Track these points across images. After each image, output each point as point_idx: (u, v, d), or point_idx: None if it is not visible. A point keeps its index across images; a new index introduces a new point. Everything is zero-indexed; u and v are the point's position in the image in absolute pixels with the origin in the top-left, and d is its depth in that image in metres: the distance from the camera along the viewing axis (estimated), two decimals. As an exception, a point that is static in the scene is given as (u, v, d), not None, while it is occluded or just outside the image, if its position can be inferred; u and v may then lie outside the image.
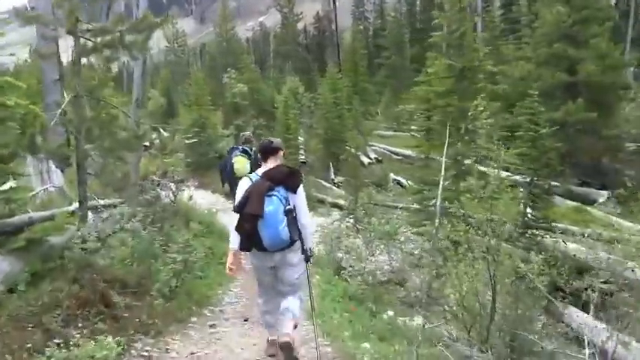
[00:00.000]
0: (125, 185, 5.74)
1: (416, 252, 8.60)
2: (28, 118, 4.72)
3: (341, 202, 12.17)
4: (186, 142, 17.29)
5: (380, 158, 16.75)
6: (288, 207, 3.47)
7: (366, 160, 17.04)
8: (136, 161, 6.77)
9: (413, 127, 23.80)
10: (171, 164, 17.66)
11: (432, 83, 8.88)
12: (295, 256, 3.65)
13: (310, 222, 3.84)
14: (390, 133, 24.14)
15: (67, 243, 4.51)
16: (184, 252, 6.00)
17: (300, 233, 3.57)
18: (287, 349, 3.54)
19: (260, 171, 3.69)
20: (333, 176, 14.88)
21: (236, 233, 3.56)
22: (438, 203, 7.46)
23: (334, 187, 14.14)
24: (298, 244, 3.60)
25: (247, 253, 3.71)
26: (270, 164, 3.70)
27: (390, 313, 6.34)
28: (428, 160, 13.49)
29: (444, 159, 7.74)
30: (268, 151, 3.74)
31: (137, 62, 6.67)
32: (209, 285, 6.47)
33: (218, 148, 17.26)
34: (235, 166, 7.13)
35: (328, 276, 7.13)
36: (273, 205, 3.42)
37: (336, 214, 11.73)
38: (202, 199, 14.46)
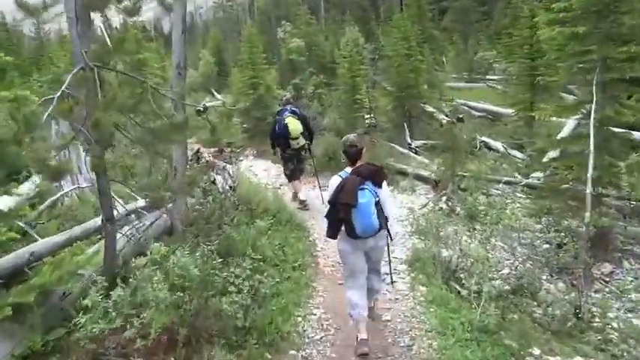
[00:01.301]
0: (167, 187, 4.13)
1: (544, 246, 6.64)
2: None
3: (425, 172, 10.22)
4: (240, 105, 15.65)
5: (461, 116, 14.47)
6: (377, 199, 3.97)
7: (443, 119, 14.83)
8: (181, 152, 5.13)
9: (492, 78, 21.17)
10: (228, 133, 16.39)
11: (557, 21, 6.54)
12: (382, 240, 4.25)
13: (394, 212, 4.56)
14: (462, 84, 21.54)
15: (83, 293, 2.99)
16: (252, 272, 4.39)
17: (386, 221, 4.11)
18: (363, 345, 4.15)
19: (348, 169, 4.12)
20: (409, 140, 12.85)
21: (329, 223, 4.03)
22: (589, 186, 5.41)
23: (412, 154, 12.14)
24: (385, 231, 4.16)
25: (339, 243, 4.25)
26: (358, 163, 4.13)
27: (536, 351, 4.53)
28: (530, 120, 11.25)
29: (591, 125, 5.61)
30: (354, 154, 4.13)
31: (176, 15, 4.92)
32: (284, 311, 4.87)
33: (275, 112, 15.53)
34: (290, 127, 7.43)
35: (438, 291, 5.35)
36: (366, 198, 3.89)
37: (421, 188, 9.82)
38: (263, 170, 12.96)
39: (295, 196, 8.55)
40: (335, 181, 4.06)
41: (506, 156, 10.62)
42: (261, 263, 4.86)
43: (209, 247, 4.25)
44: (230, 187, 6.74)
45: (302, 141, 7.94)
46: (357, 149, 4.13)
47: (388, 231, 4.19)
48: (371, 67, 17.20)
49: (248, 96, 15.42)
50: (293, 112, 7.73)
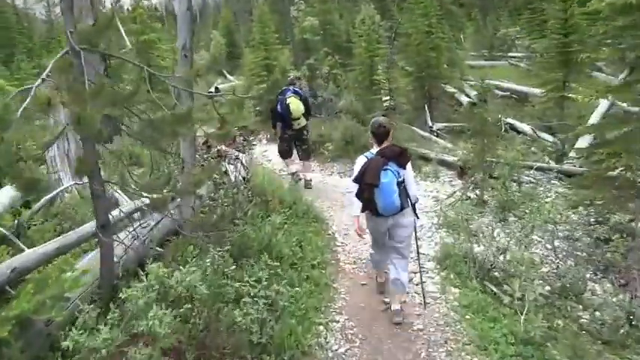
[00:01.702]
0: (173, 186, 3.65)
1: (584, 239, 6.08)
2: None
3: (449, 158, 9.64)
4: (253, 93, 15.09)
5: (484, 97, 13.74)
6: (399, 179, 4.15)
7: (464, 100, 14.14)
8: (188, 144, 4.64)
9: (514, 56, 20.26)
10: (241, 117, 15.86)
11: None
12: (404, 218, 4.34)
13: (417, 194, 4.49)
14: (482, 62, 20.65)
15: (72, 317, 2.53)
16: (269, 282, 3.93)
17: (409, 201, 4.29)
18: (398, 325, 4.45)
19: (374, 150, 4.30)
20: (430, 123, 12.21)
21: (356, 199, 4.24)
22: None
23: (434, 137, 11.53)
24: (407, 209, 4.30)
25: (367, 221, 4.51)
26: (384, 144, 4.30)
27: (589, 366, 4.02)
28: (561, 101, 10.54)
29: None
30: (382, 135, 4.31)
31: (179, -11, 4.39)
32: (304, 318, 4.41)
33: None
34: (292, 107, 7.43)
35: (473, 295, 4.84)
36: (388, 178, 4.09)
37: (445, 174, 9.25)
38: (277, 155, 12.46)
39: (295, 175, 8.51)
40: (361, 161, 4.28)
41: (535, 139, 9.95)
42: (279, 270, 4.35)
43: (220, 252, 3.78)
44: (243, 178, 6.25)
45: (303, 122, 7.90)
46: (385, 130, 4.32)
47: (414, 209, 4.39)
48: (388, 46, 16.47)
49: (261, 78, 14.85)
50: (295, 93, 7.74)
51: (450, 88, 14.49)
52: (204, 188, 5.85)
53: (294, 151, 8.48)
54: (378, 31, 16.21)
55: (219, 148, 6.44)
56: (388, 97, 13.60)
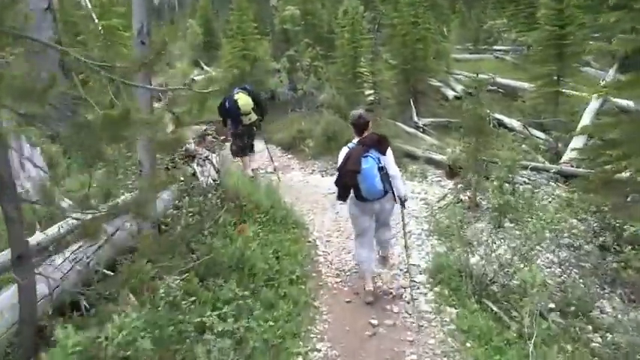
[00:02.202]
0: (115, 204, 2.98)
1: (586, 247, 5.58)
2: None
3: (437, 156, 9.09)
4: (214, 87, 14.33)
5: (471, 91, 13.25)
6: (380, 165, 4.39)
7: (450, 94, 13.64)
8: (145, 144, 3.95)
9: (500, 49, 19.81)
10: (202, 115, 15.07)
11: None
12: (389, 203, 4.65)
13: (398, 173, 4.66)
14: (467, 56, 20.18)
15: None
16: (237, 315, 3.30)
17: (390, 186, 4.48)
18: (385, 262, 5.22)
19: (355, 140, 4.55)
20: (415, 118, 11.66)
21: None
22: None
23: (420, 134, 10.98)
24: (390, 194, 4.53)
25: (349, 208, 4.81)
26: (364, 134, 4.53)
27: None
28: (554, 97, 10.07)
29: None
30: (362, 126, 4.57)
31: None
32: (280, 350, 3.79)
33: (268, 87, 14.26)
34: (240, 102, 7.47)
35: (473, 318, 4.28)
36: (368, 164, 4.34)
37: (433, 174, 8.69)
38: (257, 152, 11.76)
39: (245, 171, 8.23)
40: (343, 152, 4.52)
41: (526, 136, 9.47)
42: (249, 301, 3.72)
43: (179, 279, 3.13)
44: (214, 180, 5.59)
45: (253, 116, 7.86)
46: (365, 121, 4.57)
47: (394, 194, 4.56)
48: (372, 37, 15.83)
49: (238, 69, 14.08)
50: (243, 88, 7.83)
51: (434, 82, 13.96)
52: (169, 194, 5.18)
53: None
54: (361, 22, 15.61)
55: (186, 147, 5.76)
56: (372, 91, 13.02)
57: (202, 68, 22.70)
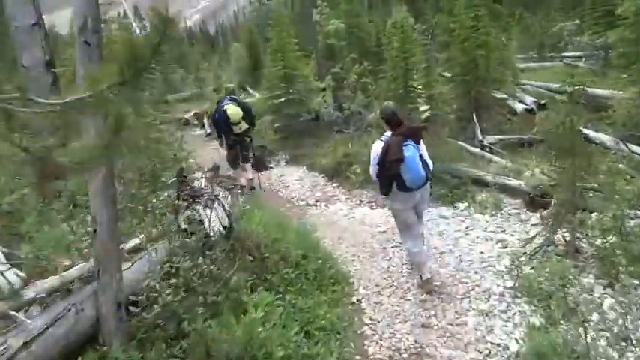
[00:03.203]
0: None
1: None
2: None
3: (511, 181, 7.41)
4: (272, 102, 13.25)
5: (543, 101, 11.41)
6: (420, 153, 4.48)
7: (519, 107, 11.83)
8: (100, 189, 2.64)
9: (571, 55, 17.71)
10: (260, 134, 13.95)
11: None
12: (426, 192, 4.77)
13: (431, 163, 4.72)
14: (531, 64, 18.13)
15: None
16: None
17: (430, 173, 4.61)
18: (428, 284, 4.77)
19: (388, 134, 4.52)
20: (480, 136, 9.99)
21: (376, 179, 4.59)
22: None
23: (486, 154, 9.29)
24: (428, 184, 4.66)
25: (391, 205, 4.83)
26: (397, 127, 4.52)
27: None
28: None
29: None
30: (398, 121, 4.55)
31: None
32: None
33: (312, 107, 13.02)
34: (229, 112, 7.84)
35: None
36: (410, 152, 4.37)
37: (508, 205, 7.00)
38: (296, 180, 10.48)
39: (243, 186, 8.63)
40: (378, 145, 4.55)
41: (626, 155, 7.60)
42: None
43: None
44: (224, 227, 4.26)
45: (244, 125, 8.21)
46: (400, 117, 4.61)
47: (430, 181, 4.74)
48: (426, 44, 14.29)
49: (280, 90, 12.96)
50: (232, 100, 8.18)
51: (499, 94, 12.18)
52: (162, 250, 3.89)
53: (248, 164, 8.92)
54: (412, 31, 14.16)
55: (190, 186, 4.49)
56: (427, 106, 11.47)
57: (248, 92, 21.97)
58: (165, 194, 4.58)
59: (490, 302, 4.47)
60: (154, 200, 3.93)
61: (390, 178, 4.42)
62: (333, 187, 9.84)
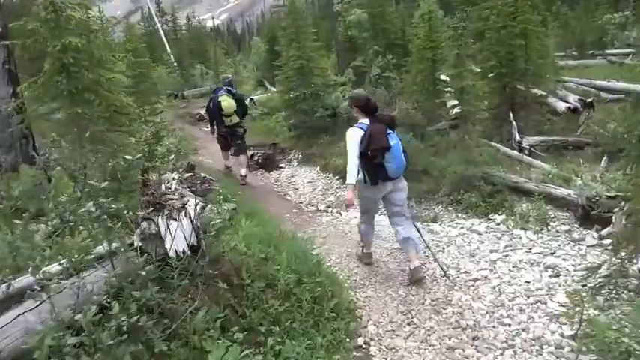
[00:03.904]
0: None
1: None
2: None
3: (558, 190, 6.19)
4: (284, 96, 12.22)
5: (590, 100, 10.05)
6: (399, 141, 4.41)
7: (561, 106, 10.48)
8: None
9: (616, 52, 16.19)
10: (274, 131, 12.92)
11: None
12: (401, 182, 4.57)
13: None
14: (571, 62, 16.63)
15: None
16: None
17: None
18: (420, 282, 4.39)
19: (365, 120, 4.40)
20: (518, 137, 8.75)
21: (356, 169, 4.22)
22: None
23: (526, 157, 8.05)
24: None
25: (360, 192, 4.62)
26: (376, 114, 4.45)
27: None
28: None
29: None
30: (374, 107, 4.45)
31: None
32: None
33: (329, 103, 11.93)
34: (223, 104, 7.99)
35: None
36: (394, 140, 4.32)
37: (556, 218, 5.79)
38: (308, 182, 9.41)
39: (227, 167, 9.04)
40: (356, 132, 4.34)
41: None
42: None
43: None
44: (192, 247, 3.21)
45: (235, 118, 8.28)
46: (374, 104, 4.47)
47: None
48: (457, 31, 12.96)
49: (295, 83, 11.91)
50: (228, 91, 8.15)
51: (537, 91, 10.87)
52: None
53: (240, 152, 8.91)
54: (440, 20, 12.99)
55: (158, 187, 3.48)
56: (455, 102, 10.27)
57: (266, 87, 21.02)
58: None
59: (544, 357, 3.30)
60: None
61: (378, 168, 4.28)
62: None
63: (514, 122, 9.05)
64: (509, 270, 4.58)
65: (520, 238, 5.33)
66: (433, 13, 10.91)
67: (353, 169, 4.19)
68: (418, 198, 7.38)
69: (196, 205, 3.51)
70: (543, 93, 10.95)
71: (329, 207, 7.96)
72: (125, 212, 3.36)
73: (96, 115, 4.79)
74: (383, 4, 14.62)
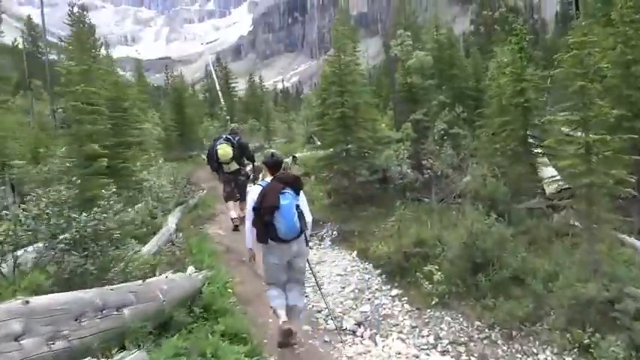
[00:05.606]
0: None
1: None
2: None
3: None
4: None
5: None
6: (297, 203, 4.02)
7: None
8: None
9: None
10: (310, 197, 10.36)
11: None
12: (303, 245, 4.21)
13: (310, 217, 4.23)
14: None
15: None
16: None
17: (304, 226, 4.07)
18: (287, 335, 4.08)
19: (268, 179, 4.20)
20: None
21: (252, 230, 4.07)
22: None
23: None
24: (303, 236, 4.13)
25: (264, 257, 4.22)
26: (278, 173, 4.21)
27: None
28: None
29: None
30: (277, 165, 4.26)
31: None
32: None
33: (378, 164, 9.17)
34: (219, 152, 7.93)
35: None
36: (287, 200, 3.97)
37: None
38: (338, 276, 6.51)
39: (234, 223, 8.28)
40: (256, 189, 4.21)
41: None
42: None
43: None
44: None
45: (234, 165, 8.15)
46: (279, 160, 4.37)
47: (305, 237, 4.22)
48: (538, 95, 9.90)
49: (335, 137, 9.33)
50: (227, 140, 8.13)
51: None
52: None
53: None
54: (528, 59, 10.17)
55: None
56: (554, 171, 7.21)
57: (314, 142, 18.78)
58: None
59: None
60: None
61: (265, 226, 4.00)
62: (393, 295, 5.90)
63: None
64: None
65: None
66: (524, 50, 8.10)
67: (248, 234, 4.15)
68: (504, 327, 4.35)
69: None
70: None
71: (360, 324, 5.13)
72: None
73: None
74: (452, 45, 11.95)
